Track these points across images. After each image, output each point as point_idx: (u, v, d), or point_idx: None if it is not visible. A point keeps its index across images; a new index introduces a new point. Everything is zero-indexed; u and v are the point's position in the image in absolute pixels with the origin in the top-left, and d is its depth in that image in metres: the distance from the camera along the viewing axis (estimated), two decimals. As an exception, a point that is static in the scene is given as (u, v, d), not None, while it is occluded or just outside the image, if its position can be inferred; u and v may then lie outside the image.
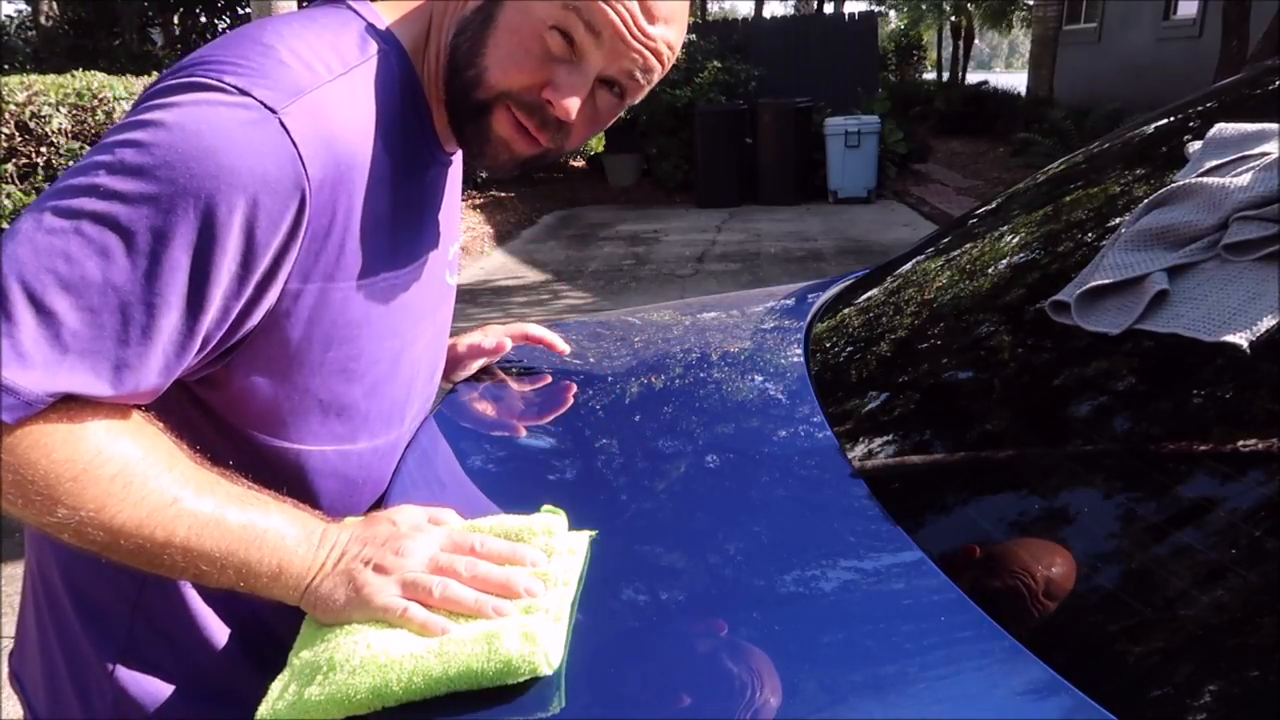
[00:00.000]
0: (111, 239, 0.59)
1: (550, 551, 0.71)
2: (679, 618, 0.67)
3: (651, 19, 0.71)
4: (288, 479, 0.77)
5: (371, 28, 0.73)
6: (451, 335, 1.15)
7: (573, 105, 0.71)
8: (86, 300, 0.58)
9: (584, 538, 0.74)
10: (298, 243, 0.67)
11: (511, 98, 0.71)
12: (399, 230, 0.76)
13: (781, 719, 0.56)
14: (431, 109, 0.78)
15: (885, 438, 0.96)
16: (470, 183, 9.06)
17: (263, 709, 0.61)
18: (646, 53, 0.72)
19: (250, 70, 0.64)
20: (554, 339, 1.19)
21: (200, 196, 0.60)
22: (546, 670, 0.60)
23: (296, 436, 0.77)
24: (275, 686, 0.63)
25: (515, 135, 0.73)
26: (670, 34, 0.73)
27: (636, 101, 0.77)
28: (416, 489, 0.87)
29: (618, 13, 0.69)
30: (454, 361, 1.12)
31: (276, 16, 0.73)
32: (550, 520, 0.74)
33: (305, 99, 0.65)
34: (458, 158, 0.87)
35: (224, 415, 0.74)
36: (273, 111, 0.62)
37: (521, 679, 0.59)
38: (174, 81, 0.64)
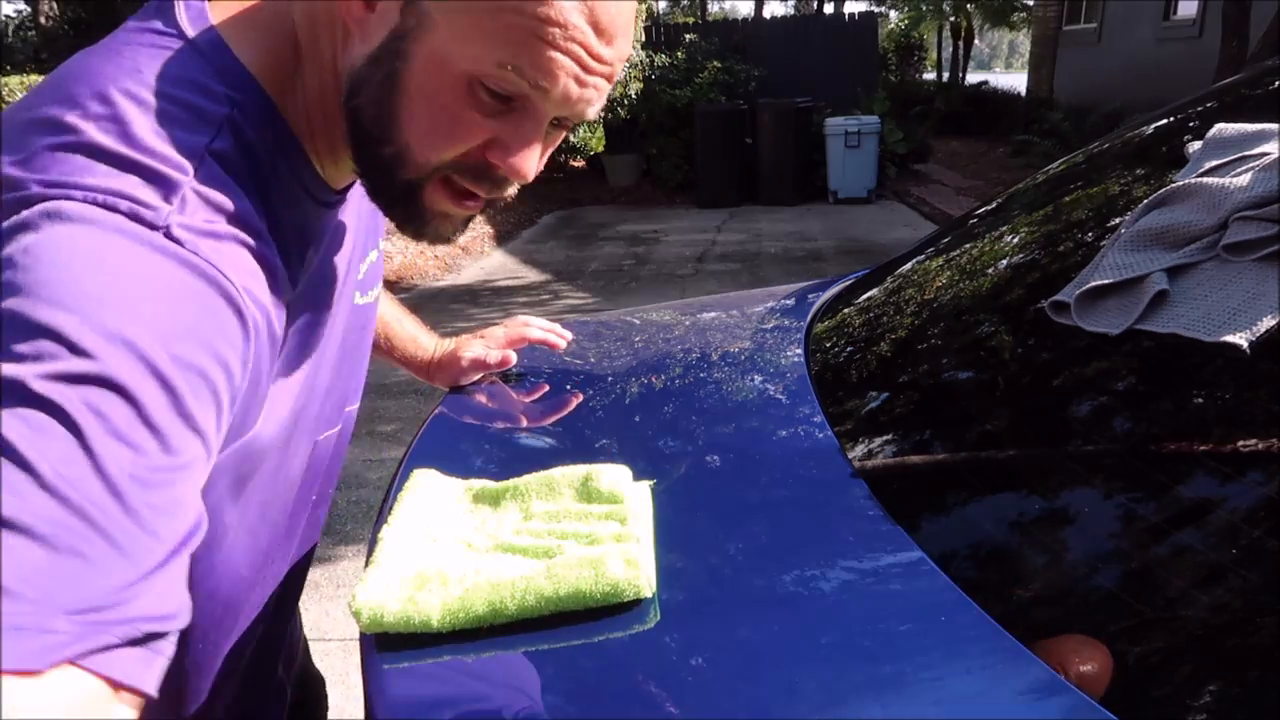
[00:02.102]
0: None
1: (620, 495, 0.77)
2: (678, 618, 0.67)
3: (607, 39, 0.56)
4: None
5: (216, 68, 0.56)
6: (453, 337, 1.15)
7: (531, 161, 0.59)
8: None
9: (645, 486, 0.81)
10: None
11: (448, 169, 0.59)
12: (302, 290, 0.65)
13: (782, 719, 0.56)
14: (313, 154, 0.63)
15: (885, 438, 0.96)
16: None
17: (363, 596, 0.64)
18: (603, 82, 0.58)
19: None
20: (552, 336, 1.19)
21: None
22: (648, 593, 0.66)
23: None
24: (374, 577, 0.66)
25: (456, 204, 0.61)
26: (624, 47, 0.59)
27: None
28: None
29: (570, 54, 0.54)
30: (457, 372, 1.12)
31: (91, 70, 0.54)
32: (616, 468, 0.81)
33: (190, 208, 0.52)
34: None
35: None
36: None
37: (626, 600, 0.65)
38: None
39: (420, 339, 1.12)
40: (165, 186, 0.50)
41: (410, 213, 0.61)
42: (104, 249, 0.47)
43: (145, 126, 0.51)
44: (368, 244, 0.79)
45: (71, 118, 0.50)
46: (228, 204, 0.53)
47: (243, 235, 0.53)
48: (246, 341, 0.52)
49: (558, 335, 1.20)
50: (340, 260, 0.72)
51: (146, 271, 0.48)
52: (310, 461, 0.78)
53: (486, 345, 1.14)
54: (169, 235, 0.49)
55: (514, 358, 1.15)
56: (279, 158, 0.59)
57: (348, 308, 0.76)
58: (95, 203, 0.48)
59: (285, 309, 0.60)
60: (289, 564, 0.81)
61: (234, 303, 0.51)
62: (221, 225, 0.52)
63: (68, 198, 0.47)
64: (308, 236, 0.64)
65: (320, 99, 0.60)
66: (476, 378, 1.15)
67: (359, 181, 0.63)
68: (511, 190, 0.62)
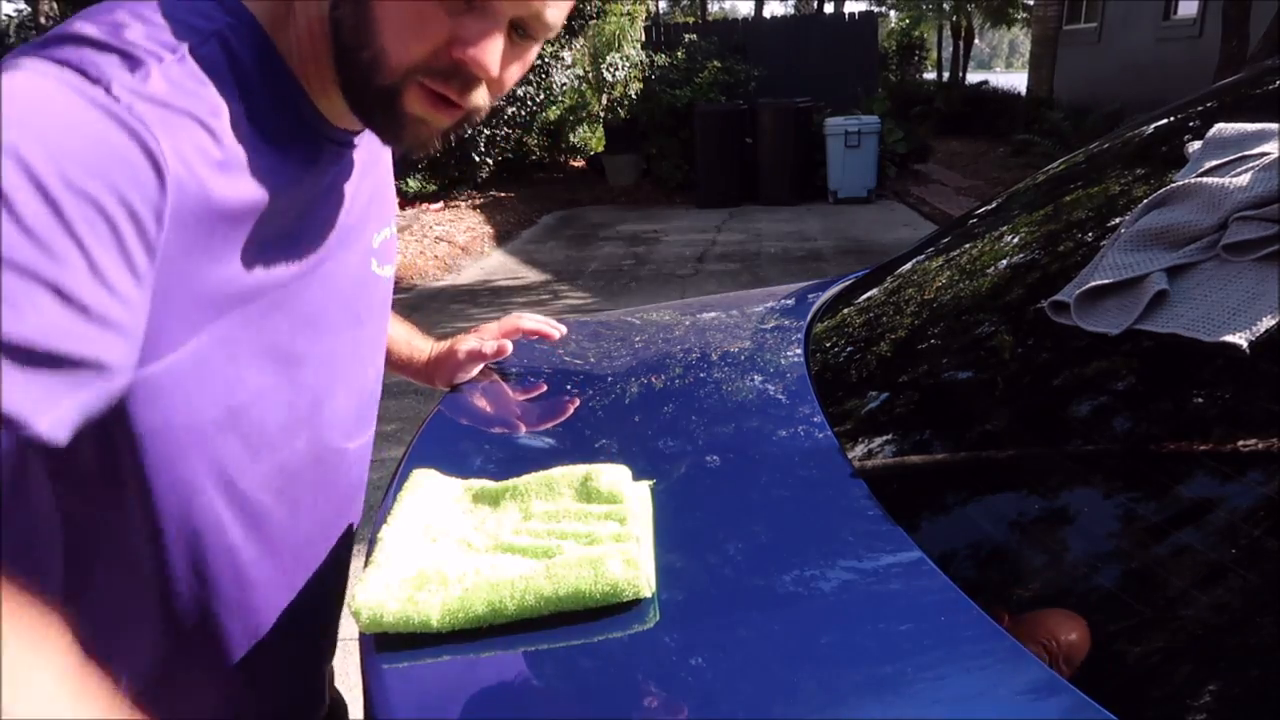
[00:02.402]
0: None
1: (619, 495, 0.77)
2: (678, 618, 0.67)
3: None
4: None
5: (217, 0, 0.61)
6: (447, 338, 1.15)
7: (493, 56, 0.62)
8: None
9: (645, 486, 0.81)
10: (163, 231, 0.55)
11: (421, 71, 0.62)
12: (288, 227, 0.66)
13: (781, 719, 0.56)
14: (308, 86, 0.66)
15: (885, 438, 0.96)
16: (469, 183, 9.07)
17: (363, 596, 0.65)
18: None
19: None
20: (545, 327, 1.20)
21: None
22: (647, 593, 0.66)
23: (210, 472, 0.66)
24: (373, 577, 0.67)
25: (433, 109, 0.64)
26: None
27: (548, 38, 0.68)
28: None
29: None
30: (454, 366, 1.12)
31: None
32: (615, 468, 0.81)
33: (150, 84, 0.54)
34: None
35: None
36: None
37: (625, 600, 0.65)
38: None
39: (415, 341, 1.12)
40: (132, 62, 0.54)
41: (389, 117, 0.64)
42: (36, 89, 0.50)
43: (138, 30, 0.56)
44: (382, 216, 0.82)
45: (78, 23, 0.55)
46: (194, 91, 0.56)
47: (203, 118, 0.56)
48: (163, 196, 0.53)
49: (551, 327, 1.21)
50: (356, 206, 0.75)
51: (67, 112, 0.50)
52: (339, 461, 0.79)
53: (481, 338, 1.14)
54: (108, 91, 0.52)
55: (510, 347, 1.15)
56: (269, 80, 0.63)
57: (367, 272, 0.79)
58: (53, 60, 0.52)
59: (259, 216, 0.61)
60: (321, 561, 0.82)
61: (153, 157, 0.52)
62: (179, 103, 0.55)
63: (34, 59, 0.52)
64: (305, 165, 0.66)
65: (310, 35, 0.64)
66: (475, 371, 1.15)
67: (344, 97, 0.65)
68: (481, 96, 0.65)
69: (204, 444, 0.64)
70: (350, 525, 0.85)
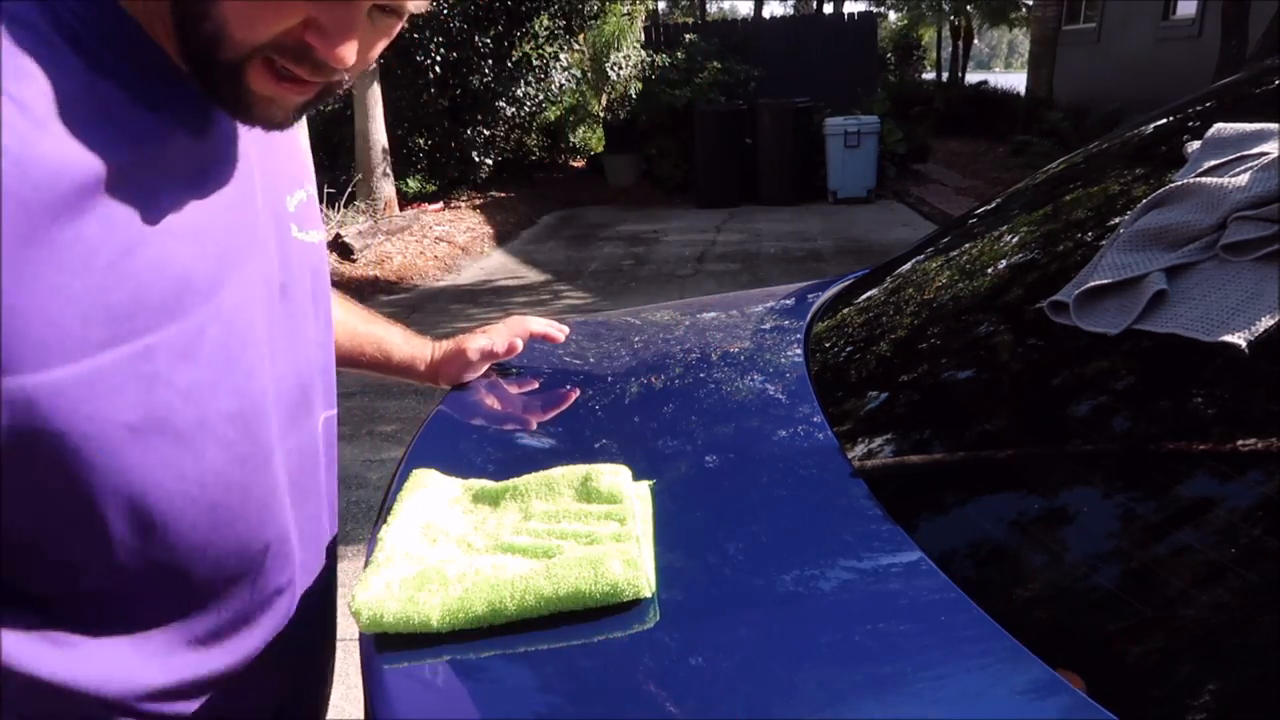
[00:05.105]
0: None
1: (619, 495, 0.77)
2: (678, 618, 0.67)
3: None
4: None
5: None
6: (453, 338, 1.15)
7: (348, 50, 0.57)
8: None
9: (645, 486, 0.82)
10: None
11: (267, 49, 0.56)
12: (162, 189, 0.60)
13: (781, 719, 0.56)
14: (154, 35, 0.60)
15: (885, 438, 0.96)
16: (469, 183, 9.07)
17: (363, 596, 0.64)
18: None
19: None
20: (551, 330, 1.20)
21: None
22: (647, 593, 0.65)
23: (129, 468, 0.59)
24: (373, 577, 0.66)
25: (281, 88, 0.59)
26: None
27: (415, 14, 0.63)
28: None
29: None
30: (464, 365, 1.13)
31: None
32: (615, 468, 0.81)
33: None
34: None
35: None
36: None
37: (625, 600, 0.65)
38: None
39: (414, 341, 1.12)
40: None
41: (235, 95, 0.59)
42: None
43: None
44: (293, 178, 0.76)
45: None
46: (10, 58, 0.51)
47: (15, 89, 0.50)
48: None
49: (556, 329, 1.22)
50: (256, 170, 0.68)
51: None
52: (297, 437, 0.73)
53: (491, 338, 1.14)
54: None
55: (520, 344, 1.16)
56: (107, 29, 0.57)
57: (286, 238, 0.73)
58: None
59: (105, 174, 0.55)
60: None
61: None
62: None
63: None
64: (171, 116, 0.60)
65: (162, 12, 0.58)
66: (484, 368, 1.15)
67: (184, 67, 0.60)
68: (338, 77, 0.60)
69: (131, 446, 0.58)
70: (323, 506, 0.80)
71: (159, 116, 0.59)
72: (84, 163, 0.53)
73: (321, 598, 0.82)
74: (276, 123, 0.62)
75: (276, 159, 0.73)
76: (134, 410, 0.58)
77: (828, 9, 20.48)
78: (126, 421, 0.57)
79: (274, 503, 0.71)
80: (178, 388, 0.60)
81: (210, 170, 0.64)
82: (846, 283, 1.44)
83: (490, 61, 8.73)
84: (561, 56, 9.43)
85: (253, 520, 0.68)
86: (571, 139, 11.27)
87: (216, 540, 0.66)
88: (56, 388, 0.53)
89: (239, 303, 0.65)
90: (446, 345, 1.14)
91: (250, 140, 0.68)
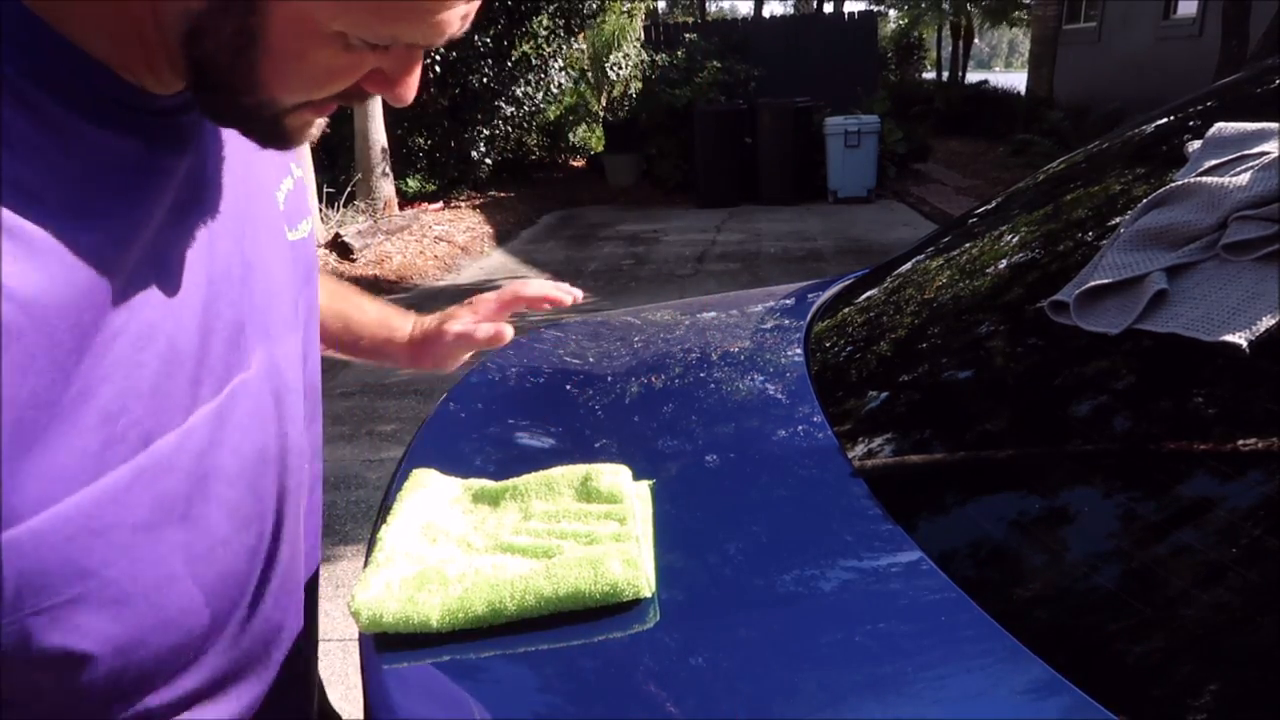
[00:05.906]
0: None
1: (619, 495, 0.77)
2: (678, 618, 0.67)
3: None
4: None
5: None
6: (437, 313, 0.98)
7: (412, 90, 0.55)
8: None
9: (645, 486, 0.82)
10: None
11: (317, 102, 0.54)
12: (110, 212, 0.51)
13: (781, 719, 0.56)
14: (108, 63, 0.51)
15: (885, 437, 0.96)
16: (469, 183, 9.07)
17: (363, 596, 0.65)
18: (471, 9, 0.53)
19: None
20: (556, 292, 0.97)
21: None
22: (647, 593, 0.65)
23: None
24: (373, 577, 0.67)
25: (319, 116, 0.57)
26: None
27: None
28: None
29: (453, 4, 0.50)
30: (443, 351, 0.95)
31: None
32: (615, 468, 0.82)
33: None
34: None
35: None
36: None
37: (625, 600, 0.65)
38: None
39: (392, 320, 0.96)
40: None
41: (273, 135, 0.56)
42: None
43: None
44: (281, 163, 0.71)
45: None
46: None
47: None
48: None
49: (565, 291, 0.97)
50: (233, 174, 0.63)
51: None
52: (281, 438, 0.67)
53: (475, 313, 0.95)
54: None
55: (508, 333, 0.93)
56: (60, 79, 0.48)
57: (282, 243, 0.68)
58: None
59: (99, 263, 0.49)
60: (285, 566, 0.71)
61: None
62: None
63: None
64: (141, 158, 0.54)
65: (119, 12, 0.50)
66: (466, 356, 0.98)
67: (199, 108, 0.55)
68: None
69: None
70: (296, 520, 0.73)
71: (142, 190, 0.53)
72: (82, 290, 0.48)
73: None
74: (305, 141, 0.59)
75: (258, 154, 0.65)
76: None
77: (828, 8, 20.49)
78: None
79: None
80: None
81: (219, 194, 0.61)
82: (847, 283, 1.43)
83: (490, 61, 8.73)
84: (561, 56, 9.43)
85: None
86: (571, 138, 11.27)
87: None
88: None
89: (250, 375, 0.63)
90: (427, 324, 0.96)
91: (235, 141, 0.62)
